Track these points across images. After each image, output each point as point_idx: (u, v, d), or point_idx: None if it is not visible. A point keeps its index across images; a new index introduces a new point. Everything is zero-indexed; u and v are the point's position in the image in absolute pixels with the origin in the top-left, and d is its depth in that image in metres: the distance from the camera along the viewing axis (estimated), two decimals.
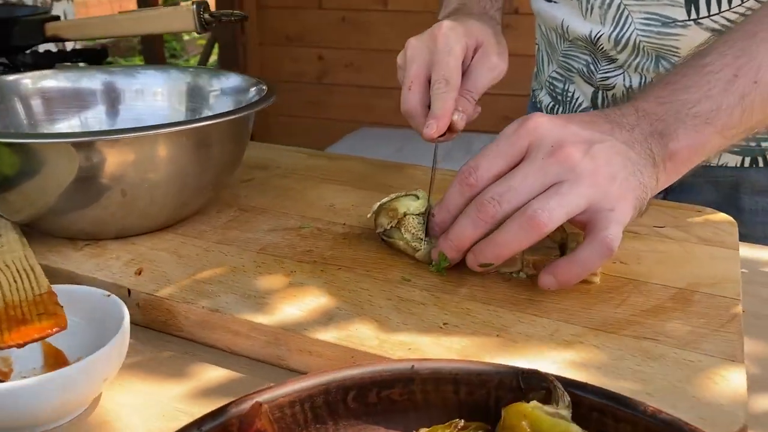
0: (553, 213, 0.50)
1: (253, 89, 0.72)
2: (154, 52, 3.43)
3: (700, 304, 0.54)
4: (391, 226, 0.63)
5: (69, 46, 1.95)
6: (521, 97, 1.19)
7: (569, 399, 0.39)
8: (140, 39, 3.68)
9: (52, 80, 0.76)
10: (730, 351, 0.48)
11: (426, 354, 0.47)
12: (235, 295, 0.55)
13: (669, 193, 0.83)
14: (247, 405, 0.38)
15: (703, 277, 0.58)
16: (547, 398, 0.40)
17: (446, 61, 0.65)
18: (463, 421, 0.41)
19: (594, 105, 0.90)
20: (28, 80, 0.75)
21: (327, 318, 0.51)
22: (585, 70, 0.88)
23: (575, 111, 0.92)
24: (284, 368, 0.51)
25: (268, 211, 0.71)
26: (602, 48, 0.83)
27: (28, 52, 0.97)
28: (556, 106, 0.95)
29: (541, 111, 0.98)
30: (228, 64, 3.40)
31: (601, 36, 0.81)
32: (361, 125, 3.18)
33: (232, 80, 0.76)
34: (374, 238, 0.65)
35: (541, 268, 0.57)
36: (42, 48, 0.99)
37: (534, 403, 0.39)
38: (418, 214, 0.62)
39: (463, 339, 0.49)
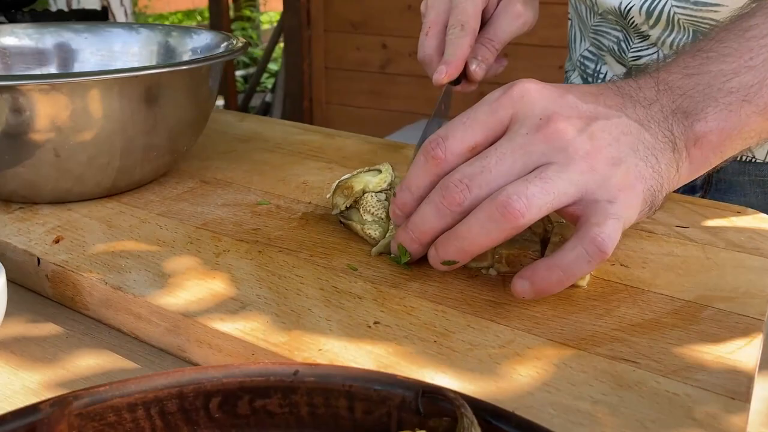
0: (532, 201, 0.40)
1: (224, 44, 0.65)
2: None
3: (708, 322, 0.42)
4: (348, 207, 0.54)
5: (73, 4, 1.94)
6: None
7: (480, 430, 0.30)
8: (209, 17, 3.71)
9: (11, 37, 0.71)
10: (732, 386, 0.37)
11: (339, 358, 0.39)
12: (148, 273, 0.47)
13: (708, 193, 0.70)
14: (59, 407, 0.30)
15: (722, 289, 0.46)
16: (453, 427, 0.30)
17: (464, 6, 0.61)
18: None
19: None
20: None
21: (239, 306, 0.43)
22: (616, 48, 0.76)
23: None
24: (186, 361, 0.44)
25: (232, 185, 0.64)
26: (633, 22, 0.71)
27: (26, 10, 0.94)
28: None
29: None
30: (293, 51, 3.37)
31: (631, 8, 0.69)
32: (422, 117, 3.09)
33: (204, 37, 0.69)
34: (336, 221, 0.56)
35: (517, 265, 0.47)
36: (40, 7, 0.95)
37: None
38: (379, 191, 0.53)
39: (390, 343, 0.40)
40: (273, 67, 4.39)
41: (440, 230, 0.44)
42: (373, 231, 0.51)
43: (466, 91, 0.66)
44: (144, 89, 0.55)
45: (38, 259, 0.49)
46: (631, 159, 0.42)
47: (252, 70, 4.51)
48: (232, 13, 5.43)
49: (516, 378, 0.37)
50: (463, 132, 0.44)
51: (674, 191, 0.73)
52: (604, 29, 0.77)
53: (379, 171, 0.55)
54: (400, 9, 3.06)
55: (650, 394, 0.36)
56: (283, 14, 3.45)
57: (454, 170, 0.44)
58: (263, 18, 5.53)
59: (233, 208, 0.58)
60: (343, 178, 0.55)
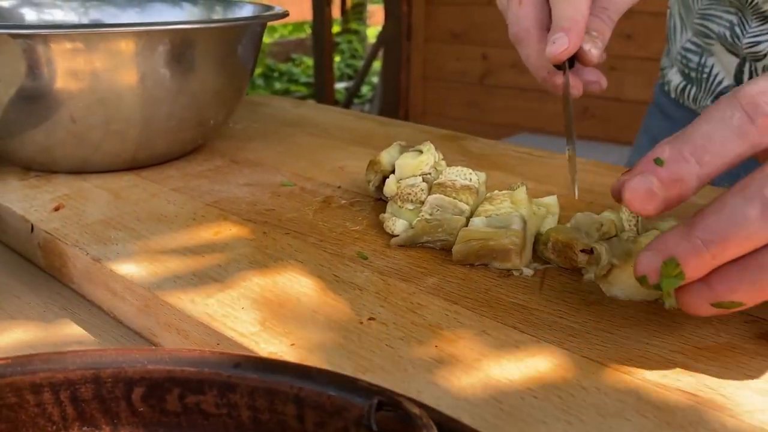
0: None
1: (265, 13, 0.60)
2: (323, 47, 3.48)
3: None
4: (377, 186, 0.47)
5: None
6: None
7: None
8: (312, 28, 3.77)
9: (56, 10, 0.69)
10: None
11: (312, 356, 0.32)
12: (135, 247, 0.42)
13: None
14: None
15: None
16: None
17: None
18: None
19: (738, 81, 0.66)
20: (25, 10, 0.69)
21: (219, 289, 0.37)
22: (728, 33, 0.64)
23: (713, 91, 0.68)
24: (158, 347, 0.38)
25: (261, 165, 0.58)
26: (754, 1, 0.60)
27: None
28: (689, 86, 0.71)
29: (670, 94, 0.75)
30: (392, 61, 3.35)
31: None
32: (521, 130, 2.97)
33: (248, 9, 0.64)
34: (363, 206, 0.49)
35: (564, 257, 0.39)
36: None
37: None
38: (420, 175, 0.45)
39: (379, 344, 0.32)
40: (376, 80, 4.41)
41: (759, 246, 0.28)
42: (392, 223, 0.44)
43: (576, 93, 0.46)
44: (167, 49, 0.51)
45: (32, 226, 0.46)
46: None
47: None
48: (339, 27, 5.53)
49: (529, 401, 0.29)
50: None
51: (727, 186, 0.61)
52: (714, 12, 0.66)
53: (420, 152, 0.48)
54: (502, 19, 2.96)
55: None
56: (385, 24, 3.44)
57: None
58: (369, 32, 5.59)
59: (254, 188, 0.53)
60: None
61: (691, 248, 0.29)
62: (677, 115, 0.74)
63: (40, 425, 0.27)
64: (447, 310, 0.36)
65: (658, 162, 0.30)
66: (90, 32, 0.49)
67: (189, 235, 0.44)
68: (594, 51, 0.45)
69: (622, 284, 0.36)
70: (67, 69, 0.49)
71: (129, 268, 0.39)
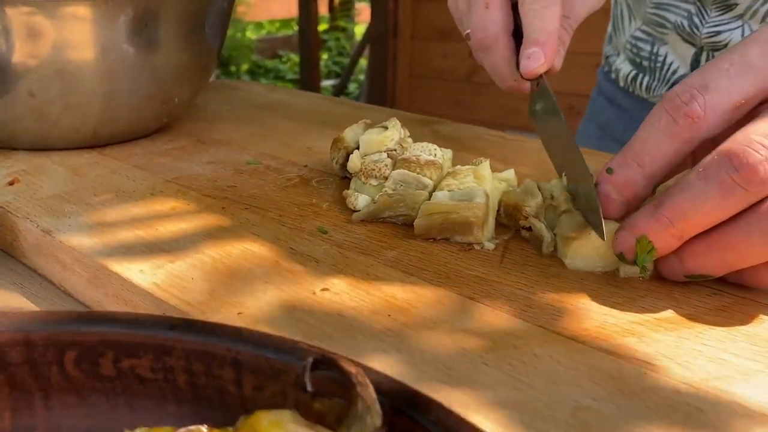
0: None
1: None
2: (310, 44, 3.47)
3: (767, 324, 0.31)
4: (341, 163, 0.47)
5: None
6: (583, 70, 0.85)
7: (380, 420, 0.21)
8: (298, 25, 3.75)
9: None
10: None
11: (259, 324, 0.30)
12: (87, 220, 0.41)
13: None
14: None
15: None
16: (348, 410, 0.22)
17: None
18: (205, 428, 0.24)
19: (693, 69, 0.65)
20: None
21: (169, 260, 0.36)
22: (686, 23, 0.63)
23: (668, 80, 0.67)
24: None
25: (228, 145, 0.57)
26: None
27: None
28: (640, 75, 0.69)
29: (618, 83, 0.73)
30: (378, 58, 3.35)
31: None
32: (508, 128, 2.97)
33: None
34: (329, 184, 0.48)
35: (515, 220, 0.38)
36: None
37: (287, 415, 0.21)
38: (384, 151, 0.44)
39: (330, 313, 0.31)
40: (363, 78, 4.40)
41: (718, 221, 0.31)
42: (354, 199, 0.43)
43: (521, 89, 0.45)
44: (129, 19, 0.49)
45: None
46: None
47: None
48: (327, 24, 5.51)
49: (479, 368, 0.28)
50: (728, 80, 0.32)
51: None
52: (670, 2, 0.65)
53: (385, 128, 0.47)
54: None
55: (662, 405, 0.26)
56: (371, 22, 3.44)
57: (752, 126, 0.31)
58: (357, 29, 5.58)
59: (217, 165, 0.52)
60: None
61: (659, 226, 0.32)
62: (626, 104, 0.71)
63: None
64: (404, 281, 0.35)
65: (609, 171, 0.35)
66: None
67: (145, 209, 0.43)
68: (558, 60, 0.44)
69: (581, 256, 0.35)
70: (24, 39, 0.48)
71: (79, 240, 0.38)
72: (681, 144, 0.33)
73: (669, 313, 0.32)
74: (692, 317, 0.32)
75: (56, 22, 0.48)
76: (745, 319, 0.32)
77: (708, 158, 0.31)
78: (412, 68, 3.28)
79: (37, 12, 0.47)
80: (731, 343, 0.30)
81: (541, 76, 0.42)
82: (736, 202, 0.30)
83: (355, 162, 0.44)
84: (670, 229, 0.32)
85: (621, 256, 0.34)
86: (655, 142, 0.33)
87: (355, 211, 0.43)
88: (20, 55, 0.48)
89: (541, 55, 0.41)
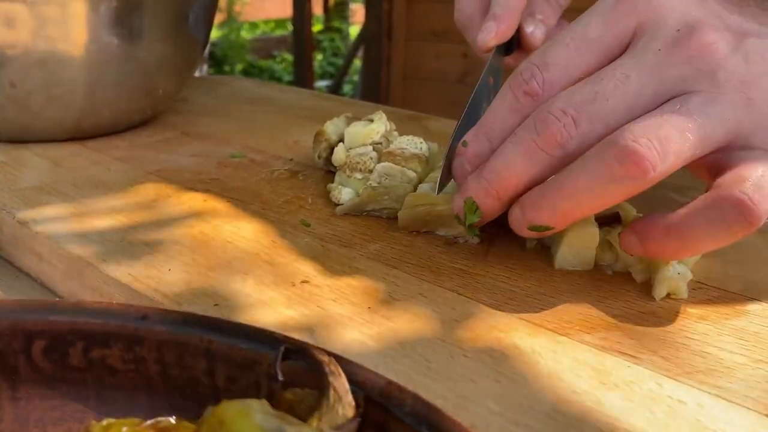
0: (668, 147, 0.29)
1: None
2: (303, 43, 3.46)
3: (751, 318, 0.31)
4: (324, 157, 0.46)
5: None
6: None
7: (352, 411, 0.20)
8: (293, 25, 3.75)
9: None
10: (757, 394, 0.25)
11: (235, 315, 0.30)
12: (65, 211, 0.40)
13: None
14: None
15: None
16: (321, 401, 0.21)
17: None
18: (173, 419, 0.23)
19: None
20: None
21: (147, 252, 0.35)
22: None
23: None
24: None
25: (213, 138, 0.57)
26: None
27: None
28: None
29: None
30: (372, 59, 3.34)
31: None
32: None
33: None
34: (314, 178, 0.48)
35: (500, 223, 0.38)
36: None
37: (255, 404, 0.20)
38: (370, 144, 0.44)
39: (309, 305, 0.31)
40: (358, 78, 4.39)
41: (528, 182, 0.33)
42: (338, 192, 0.42)
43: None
44: (112, 9, 0.49)
45: None
46: None
47: None
48: (321, 25, 5.51)
49: (459, 360, 0.27)
50: (567, 56, 0.33)
51: None
52: None
53: (371, 121, 0.47)
54: None
55: (644, 398, 0.25)
56: (365, 23, 3.43)
57: (554, 98, 0.32)
58: (352, 30, 5.57)
59: (201, 158, 0.51)
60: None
61: (480, 188, 0.34)
62: None
63: None
64: (386, 274, 0.34)
65: (464, 144, 0.36)
66: None
67: (124, 200, 0.42)
68: (537, 34, 0.45)
69: (565, 254, 0.35)
70: (4, 28, 0.47)
71: (56, 231, 0.37)
72: (522, 119, 0.34)
73: (653, 306, 0.32)
74: (677, 310, 0.31)
75: (37, 10, 0.47)
76: (731, 313, 0.31)
77: (521, 125, 0.33)
78: (407, 69, 3.27)
79: None
80: (716, 337, 0.29)
81: (502, 51, 0.45)
82: (545, 160, 0.32)
83: (340, 155, 0.44)
84: (489, 190, 0.33)
85: (457, 218, 0.35)
86: (502, 118, 0.34)
87: (338, 204, 0.42)
88: (1, 44, 0.48)
89: (493, 29, 0.43)
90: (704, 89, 0.30)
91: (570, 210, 0.31)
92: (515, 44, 0.46)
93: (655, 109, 0.30)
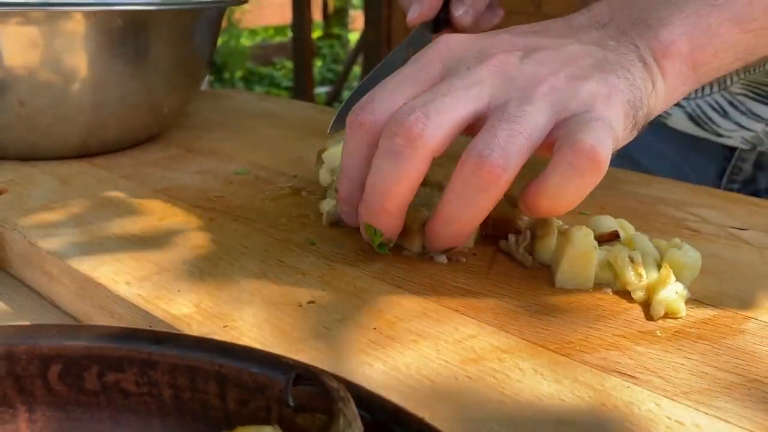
0: (508, 149, 0.33)
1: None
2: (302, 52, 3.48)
3: (748, 337, 0.32)
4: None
5: None
6: None
7: None
8: (292, 32, 3.75)
9: None
10: (752, 413, 0.26)
11: (243, 338, 0.31)
12: (75, 231, 0.41)
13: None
14: None
15: None
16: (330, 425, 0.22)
17: None
18: None
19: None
20: None
21: (156, 272, 0.36)
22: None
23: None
24: None
25: (217, 154, 0.57)
26: None
27: None
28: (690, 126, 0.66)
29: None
30: (372, 66, 3.35)
31: None
32: None
33: None
34: (318, 195, 0.48)
35: (503, 230, 0.39)
36: None
37: (268, 430, 0.21)
38: None
39: (316, 326, 0.32)
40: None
41: (407, 185, 0.35)
42: (325, 204, 0.43)
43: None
44: (119, 30, 0.49)
45: None
46: (597, 74, 0.35)
47: None
48: (321, 31, 5.53)
49: (463, 382, 0.28)
50: (391, 90, 0.37)
51: (737, 191, 0.61)
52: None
53: None
54: None
55: (644, 419, 0.26)
56: (364, 30, 3.44)
57: (397, 111, 0.35)
58: (352, 37, 5.59)
59: (206, 175, 0.52)
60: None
61: (369, 211, 0.36)
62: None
63: None
64: (390, 293, 0.35)
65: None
66: (38, 10, 0.48)
67: (132, 219, 0.43)
68: (465, 18, 0.51)
69: (565, 273, 0.36)
70: (14, 49, 0.48)
71: (66, 251, 0.38)
72: (365, 150, 0.36)
73: (652, 326, 0.32)
74: (676, 330, 0.32)
75: (46, 31, 0.48)
76: (728, 332, 0.32)
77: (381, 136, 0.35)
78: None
79: (27, 22, 0.47)
80: (714, 357, 0.30)
81: (431, 28, 0.51)
82: (409, 161, 0.34)
83: (324, 175, 0.45)
84: (375, 208, 0.35)
85: (371, 245, 0.38)
86: (349, 158, 0.38)
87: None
88: (10, 64, 0.48)
89: (418, 11, 0.50)
90: (513, 95, 0.35)
91: (458, 230, 0.36)
92: (443, 23, 0.52)
93: (486, 122, 0.34)
